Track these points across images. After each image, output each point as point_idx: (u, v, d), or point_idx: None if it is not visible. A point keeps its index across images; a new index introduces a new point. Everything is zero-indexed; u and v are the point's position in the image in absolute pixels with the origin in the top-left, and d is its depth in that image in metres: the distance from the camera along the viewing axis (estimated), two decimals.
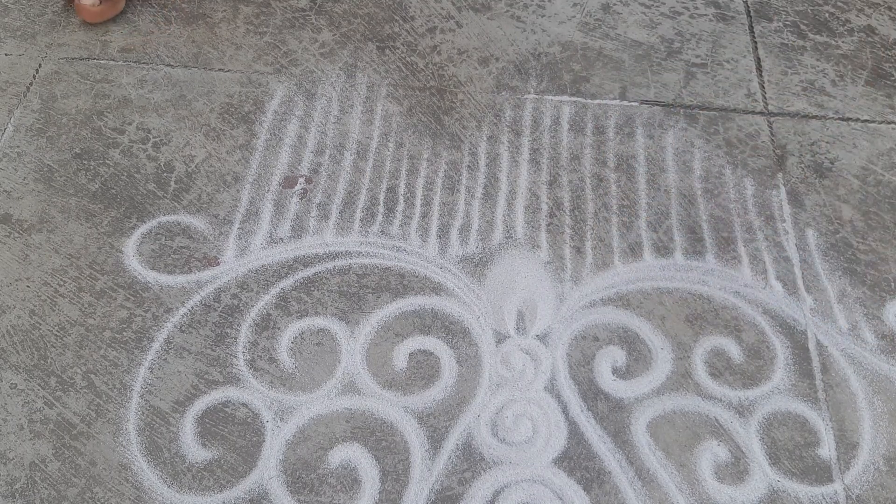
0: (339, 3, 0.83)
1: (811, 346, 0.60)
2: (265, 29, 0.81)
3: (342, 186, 0.69)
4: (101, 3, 0.79)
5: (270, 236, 0.65)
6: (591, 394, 0.58)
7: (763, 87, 0.77)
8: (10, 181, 0.68)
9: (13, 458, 0.54)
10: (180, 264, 0.63)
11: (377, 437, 0.56)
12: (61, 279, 0.62)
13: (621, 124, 0.74)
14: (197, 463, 0.54)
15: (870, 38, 0.82)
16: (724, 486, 0.54)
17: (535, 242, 0.66)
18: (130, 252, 0.64)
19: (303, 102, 0.74)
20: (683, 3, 0.85)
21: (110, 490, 0.53)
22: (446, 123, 0.73)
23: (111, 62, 0.77)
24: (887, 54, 0.80)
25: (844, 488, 0.54)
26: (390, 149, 0.71)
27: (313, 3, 0.83)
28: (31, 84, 0.75)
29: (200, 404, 0.57)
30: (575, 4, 0.84)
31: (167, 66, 0.77)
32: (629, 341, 0.60)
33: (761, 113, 0.75)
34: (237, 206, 0.67)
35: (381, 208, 0.67)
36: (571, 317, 0.61)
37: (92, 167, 0.69)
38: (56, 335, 0.60)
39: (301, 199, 0.68)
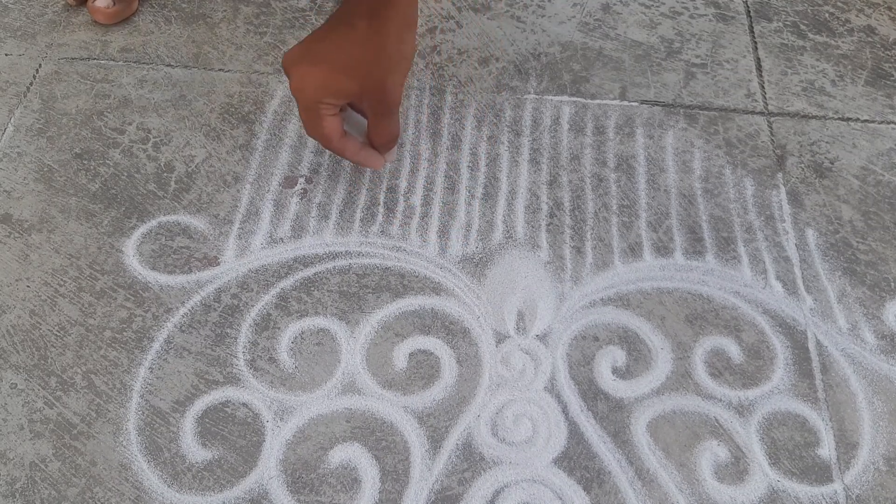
0: (339, 3, 0.83)
1: (811, 346, 0.60)
2: (265, 29, 0.81)
3: (342, 186, 0.69)
4: (115, 4, 0.79)
5: (270, 236, 0.65)
6: (591, 394, 0.58)
7: (763, 87, 0.77)
8: (10, 181, 0.68)
9: (13, 458, 0.54)
10: (180, 264, 0.63)
11: (377, 436, 0.56)
12: (61, 279, 0.62)
13: (621, 124, 0.74)
14: (197, 463, 0.54)
15: (870, 38, 0.82)
16: (724, 485, 0.54)
17: (535, 242, 0.66)
18: (130, 252, 0.64)
19: None
20: (683, 3, 0.85)
21: (110, 490, 0.53)
22: (446, 123, 0.73)
23: (111, 62, 0.77)
24: (887, 54, 0.80)
25: (844, 488, 0.54)
26: None
27: (313, 3, 0.83)
28: (31, 84, 0.75)
29: (200, 404, 0.57)
30: (575, 4, 0.84)
31: (167, 66, 0.77)
32: (629, 341, 0.60)
33: (761, 113, 0.75)
34: (237, 206, 0.67)
35: (381, 208, 0.67)
36: (571, 317, 0.61)
37: (92, 167, 0.69)
38: (56, 335, 0.60)
39: (301, 199, 0.68)
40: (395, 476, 0.54)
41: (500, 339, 0.60)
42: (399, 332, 0.60)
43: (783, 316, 0.62)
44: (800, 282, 0.63)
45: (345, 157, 0.63)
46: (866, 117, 0.75)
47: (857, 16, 0.84)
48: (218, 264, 0.64)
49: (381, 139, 0.62)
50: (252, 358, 0.59)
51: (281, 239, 0.65)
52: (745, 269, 0.64)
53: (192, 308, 0.61)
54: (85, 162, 0.70)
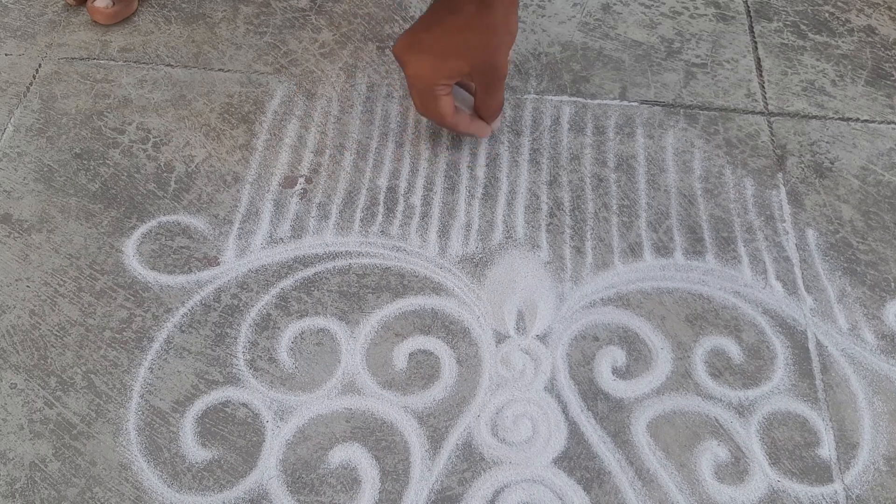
0: (339, 3, 0.83)
1: (811, 346, 0.60)
2: (265, 29, 0.81)
3: (342, 186, 0.69)
4: (114, 4, 0.79)
5: (270, 236, 0.65)
6: (591, 394, 0.58)
7: (763, 87, 0.77)
8: (10, 181, 0.68)
9: (13, 458, 0.54)
10: (180, 264, 0.63)
11: (377, 437, 0.56)
12: (61, 279, 0.62)
13: (621, 124, 0.74)
14: (197, 463, 0.54)
15: (870, 38, 0.82)
16: (725, 486, 0.54)
17: (535, 242, 0.66)
18: (130, 252, 0.64)
19: (303, 102, 0.74)
20: (683, 3, 0.85)
21: (110, 490, 0.53)
22: None
23: (111, 62, 0.77)
24: (887, 54, 0.80)
25: (844, 488, 0.54)
26: (390, 149, 0.71)
27: (313, 3, 0.83)
28: (31, 84, 0.75)
29: (200, 404, 0.57)
30: (575, 4, 0.84)
31: (167, 66, 0.77)
32: (629, 341, 0.60)
33: (761, 113, 0.75)
34: (237, 206, 0.67)
35: (381, 208, 0.67)
36: (571, 317, 0.61)
37: (92, 167, 0.69)
38: (56, 335, 0.60)
39: (301, 199, 0.68)
40: (395, 476, 0.54)
41: (500, 339, 0.60)
42: (399, 332, 0.60)
43: (783, 316, 0.62)
44: (800, 282, 0.63)
45: (457, 130, 0.67)
46: (866, 117, 0.75)
47: (857, 16, 0.84)
48: (218, 264, 0.64)
49: (489, 110, 0.67)
50: (252, 358, 0.59)
51: (281, 239, 0.65)
52: (746, 269, 0.64)
53: (192, 308, 0.61)
54: (85, 162, 0.70)
